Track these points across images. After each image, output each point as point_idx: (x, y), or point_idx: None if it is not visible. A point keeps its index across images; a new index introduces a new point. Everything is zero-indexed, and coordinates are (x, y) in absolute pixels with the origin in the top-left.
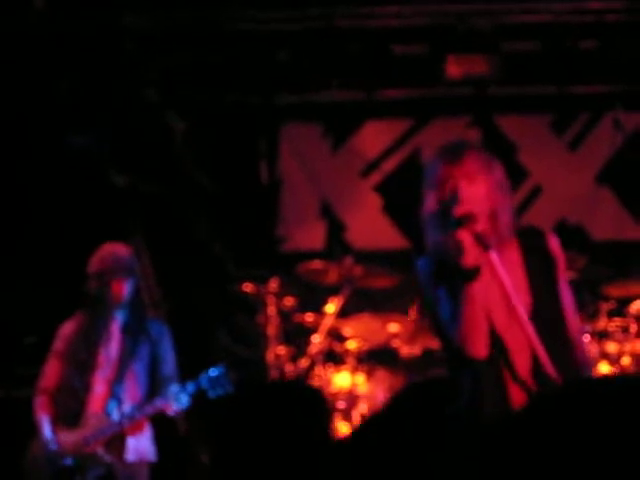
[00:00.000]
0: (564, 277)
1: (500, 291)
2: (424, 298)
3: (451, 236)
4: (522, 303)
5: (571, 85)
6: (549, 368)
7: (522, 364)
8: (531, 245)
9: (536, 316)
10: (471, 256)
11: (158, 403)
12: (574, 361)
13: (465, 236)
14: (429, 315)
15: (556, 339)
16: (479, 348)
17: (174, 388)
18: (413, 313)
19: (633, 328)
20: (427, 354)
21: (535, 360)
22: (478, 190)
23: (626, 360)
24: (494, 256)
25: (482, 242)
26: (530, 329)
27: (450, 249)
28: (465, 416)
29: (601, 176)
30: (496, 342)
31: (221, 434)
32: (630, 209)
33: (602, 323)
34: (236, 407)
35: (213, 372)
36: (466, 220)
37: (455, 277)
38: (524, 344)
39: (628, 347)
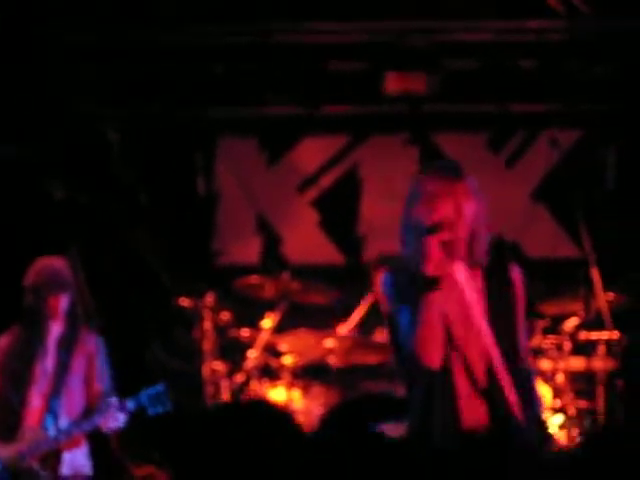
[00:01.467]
0: (522, 309)
1: (461, 302)
2: (386, 311)
3: (419, 243)
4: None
5: (509, 103)
6: (504, 379)
7: (477, 375)
8: (494, 271)
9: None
10: (434, 264)
11: (96, 420)
12: (524, 376)
13: (432, 243)
14: (388, 328)
15: (508, 353)
16: (434, 358)
17: (112, 404)
18: (346, 328)
19: (567, 346)
20: (362, 369)
21: (490, 372)
22: (470, 210)
23: (560, 378)
24: (459, 266)
25: (448, 251)
26: (489, 340)
27: (416, 256)
28: (415, 433)
29: (537, 193)
30: (451, 354)
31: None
32: (564, 226)
33: (536, 340)
34: (196, 427)
35: (153, 389)
36: (436, 228)
37: (418, 288)
38: (480, 356)
39: (562, 364)
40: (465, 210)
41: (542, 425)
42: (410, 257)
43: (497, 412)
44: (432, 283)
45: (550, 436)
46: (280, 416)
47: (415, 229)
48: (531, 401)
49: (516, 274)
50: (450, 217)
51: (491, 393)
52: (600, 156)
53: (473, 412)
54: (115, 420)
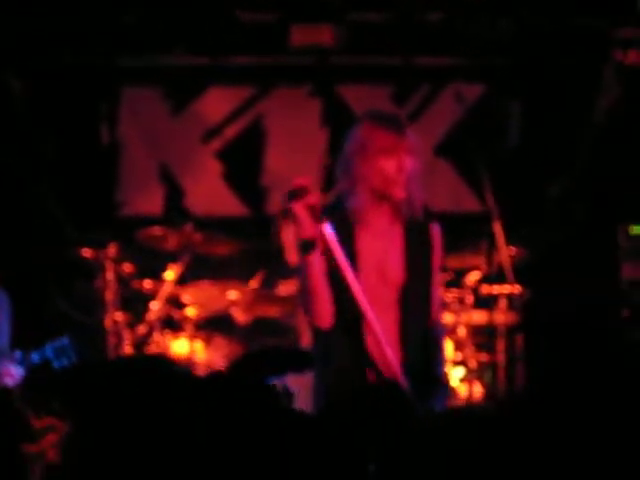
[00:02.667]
0: (438, 264)
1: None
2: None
3: (354, 195)
4: (396, 274)
5: (414, 56)
6: (381, 340)
7: (360, 333)
8: (414, 226)
9: (407, 288)
10: (306, 228)
11: None
12: (432, 335)
13: (299, 208)
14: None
15: (420, 312)
16: (322, 318)
17: (8, 360)
18: (254, 282)
19: (469, 299)
20: (265, 322)
21: (371, 332)
22: (410, 167)
23: (461, 331)
24: (327, 228)
25: (315, 214)
26: (364, 304)
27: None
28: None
29: (440, 147)
30: (355, 312)
31: (81, 406)
32: (468, 181)
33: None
34: (97, 378)
35: (58, 342)
36: (300, 192)
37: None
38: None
39: (464, 318)
40: (406, 167)
41: (443, 384)
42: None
43: (379, 371)
44: (308, 246)
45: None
46: (178, 370)
47: (356, 180)
48: (437, 360)
49: (435, 231)
50: (391, 177)
51: (371, 352)
52: (504, 111)
53: (361, 369)
54: (11, 376)
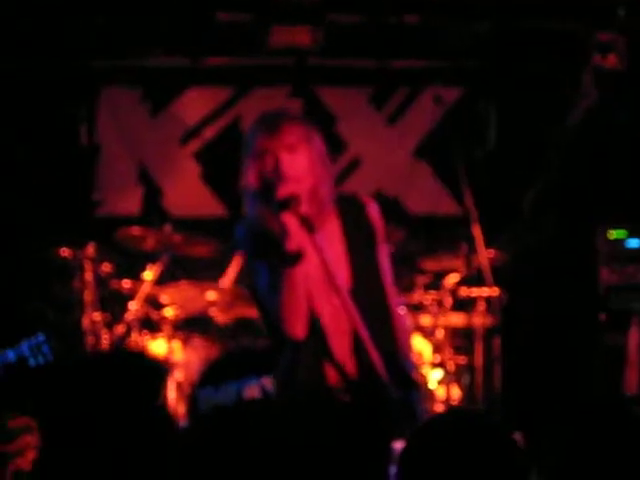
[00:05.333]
0: (384, 247)
1: (323, 273)
2: (244, 265)
3: (275, 219)
4: (342, 277)
5: (391, 59)
6: (369, 347)
7: (342, 346)
8: (351, 215)
9: (356, 289)
10: (295, 240)
11: None
12: (393, 333)
13: (290, 219)
14: (248, 283)
15: (376, 312)
16: (298, 330)
17: None
18: (226, 281)
19: (447, 302)
20: (242, 323)
21: (356, 339)
22: (299, 163)
23: (440, 333)
24: (319, 239)
25: (307, 225)
26: (352, 308)
27: (274, 230)
28: (281, 387)
29: (419, 150)
30: (314, 324)
31: (53, 405)
32: (446, 183)
33: (417, 296)
34: (70, 377)
35: (34, 340)
36: (291, 202)
37: (275, 253)
38: (345, 325)
39: (442, 320)
40: (284, 164)
41: (413, 380)
42: (260, 221)
43: (363, 374)
44: (294, 259)
45: (425, 392)
46: (151, 367)
47: (261, 194)
48: (401, 338)
49: (373, 209)
50: (299, 184)
51: (358, 359)
52: (482, 113)
53: (337, 373)
54: None
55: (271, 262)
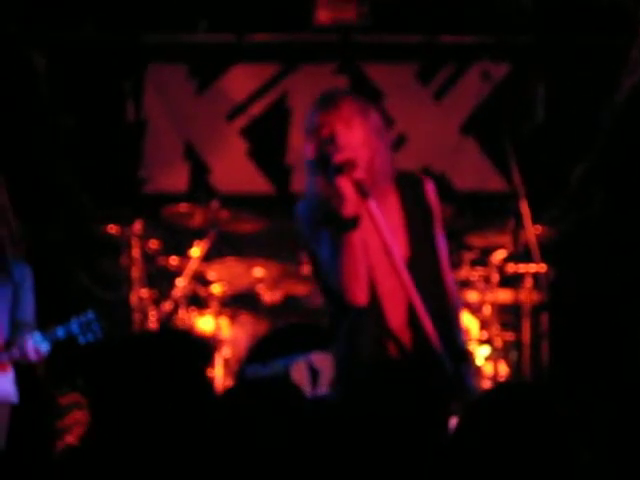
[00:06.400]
0: (439, 224)
1: (380, 242)
2: (304, 242)
3: (331, 184)
4: (400, 250)
5: (439, 35)
6: (425, 320)
7: (397, 314)
8: (409, 191)
9: (413, 264)
10: (351, 205)
11: (14, 353)
12: (447, 308)
13: (345, 184)
14: (309, 259)
15: (431, 286)
16: (359, 296)
17: (32, 337)
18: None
19: (494, 278)
20: (290, 300)
21: (411, 311)
22: (355, 135)
23: (487, 309)
24: (373, 205)
25: (361, 190)
26: (407, 279)
27: (330, 196)
28: (342, 361)
29: (466, 126)
30: (373, 293)
31: (102, 383)
32: (493, 160)
33: (464, 272)
34: (119, 355)
35: (84, 317)
36: (346, 167)
37: (335, 223)
38: (401, 294)
39: (489, 296)
40: (341, 135)
41: (465, 354)
42: (319, 192)
43: (418, 346)
44: (351, 223)
45: (475, 367)
46: (198, 346)
47: (319, 165)
48: (455, 314)
49: (430, 188)
50: (355, 153)
51: (412, 330)
52: (530, 89)
53: (396, 345)
54: (36, 353)
55: (332, 230)
